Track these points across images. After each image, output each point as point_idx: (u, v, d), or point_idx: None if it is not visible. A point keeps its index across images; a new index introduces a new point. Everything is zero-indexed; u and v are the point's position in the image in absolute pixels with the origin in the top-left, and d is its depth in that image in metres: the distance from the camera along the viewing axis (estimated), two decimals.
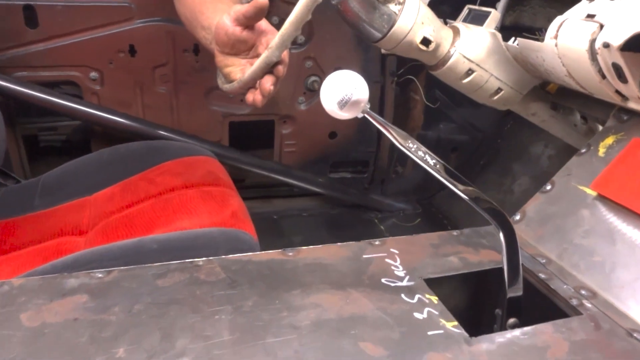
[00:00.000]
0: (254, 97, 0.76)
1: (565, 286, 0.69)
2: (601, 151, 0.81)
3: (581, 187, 0.80)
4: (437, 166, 0.60)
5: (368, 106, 0.57)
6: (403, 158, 1.60)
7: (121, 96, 1.34)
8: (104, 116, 1.27)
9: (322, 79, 1.47)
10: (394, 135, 0.58)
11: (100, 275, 0.63)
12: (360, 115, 0.58)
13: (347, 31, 1.38)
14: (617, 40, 0.68)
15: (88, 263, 0.73)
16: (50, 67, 1.27)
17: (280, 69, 0.73)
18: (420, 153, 0.59)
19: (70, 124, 1.39)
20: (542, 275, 0.71)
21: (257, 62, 0.72)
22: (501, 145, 1.59)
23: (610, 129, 0.83)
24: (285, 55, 0.73)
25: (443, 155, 1.63)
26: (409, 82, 1.50)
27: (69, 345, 0.51)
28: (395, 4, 0.85)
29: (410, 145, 0.59)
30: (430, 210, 1.63)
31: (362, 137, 1.54)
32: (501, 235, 0.63)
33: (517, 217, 0.83)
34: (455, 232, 0.81)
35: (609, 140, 0.82)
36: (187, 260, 0.68)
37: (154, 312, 0.57)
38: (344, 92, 0.56)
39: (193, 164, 1.12)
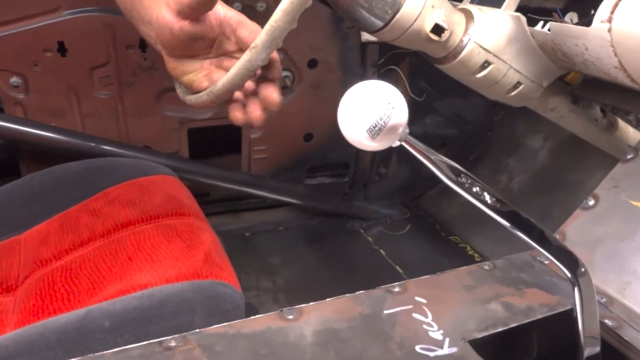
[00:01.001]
0: (251, 114, 0.58)
1: None
2: None
3: (635, 203, 0.66)
4: (499, 206, 0.44)
5: (407, 131, 0.40)
6: (387, 158, 1.43)
7: (52, 105, 1.11)
8: (32, 131, 1.04)
9: (293, 74, 1.30)
10: (440, 169, 0.42)
11: None
12: (396, 144, 0.41)
13: (322, 16, 1.20)
14: None
15: (12, 358, 0.53)
16: None
17: (276, 73, 0.55)
18: (475, 190, 0.43)
19: None
20: (608, 322, 0.57)
21: (236, 67, 0.53)
22: (492, 138, 1.46)
23: None
24: (275, 55, 0.55)
25: None
26: (390, 72, 1.34)
27: None
28: None
29: (463, 180, 0.42)
30: (419, 215, 1.48)
31: (342, 137, 1.36)
32: (576, 290, 0.48)
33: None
34: (486, 266, 0.66)
35: None
36: (154, 341, 0.50)
37: None
38: (377, 114, 0.38)
39: (148, 187, 0.92)
